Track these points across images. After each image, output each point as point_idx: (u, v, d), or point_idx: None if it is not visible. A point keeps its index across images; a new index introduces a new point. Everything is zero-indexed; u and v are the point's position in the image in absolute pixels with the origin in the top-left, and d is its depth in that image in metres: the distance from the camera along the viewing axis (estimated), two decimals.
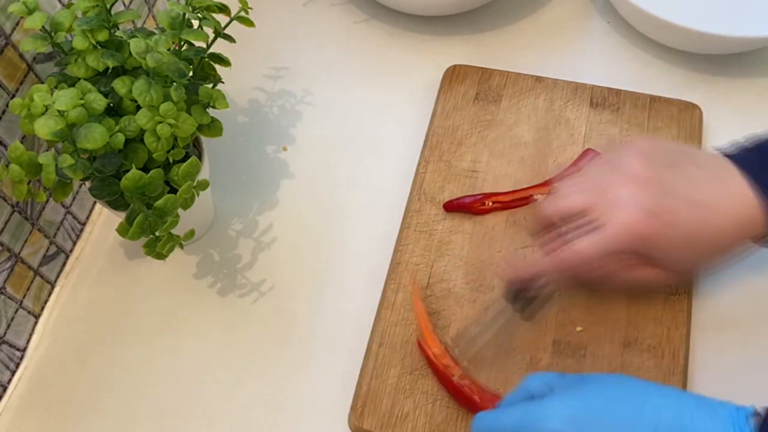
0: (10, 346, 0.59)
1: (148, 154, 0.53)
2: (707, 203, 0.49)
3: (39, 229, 0.60)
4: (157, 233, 0.52)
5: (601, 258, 0.50)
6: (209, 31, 0.57)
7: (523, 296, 0.55)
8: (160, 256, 0.53)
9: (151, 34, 0.54)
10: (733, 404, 0.41)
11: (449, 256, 0.60)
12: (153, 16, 0.72)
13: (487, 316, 0.56)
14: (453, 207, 0.62)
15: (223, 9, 0.57)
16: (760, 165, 0.50)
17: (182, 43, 0.56)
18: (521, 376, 0.54)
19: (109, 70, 0.55)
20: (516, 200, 0.62)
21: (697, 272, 0.58)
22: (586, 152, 0.63)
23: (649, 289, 0.56)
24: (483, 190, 0.63)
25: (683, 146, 0.54)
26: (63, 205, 0.63)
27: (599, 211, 0.50)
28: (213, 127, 0.57)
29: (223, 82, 0.59)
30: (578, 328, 0.56)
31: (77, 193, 0.65)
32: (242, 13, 0.57)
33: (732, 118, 0.67)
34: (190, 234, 0.57)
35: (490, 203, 0.62)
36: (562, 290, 0.57)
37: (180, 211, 0.53)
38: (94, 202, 0.68)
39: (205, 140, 0.60)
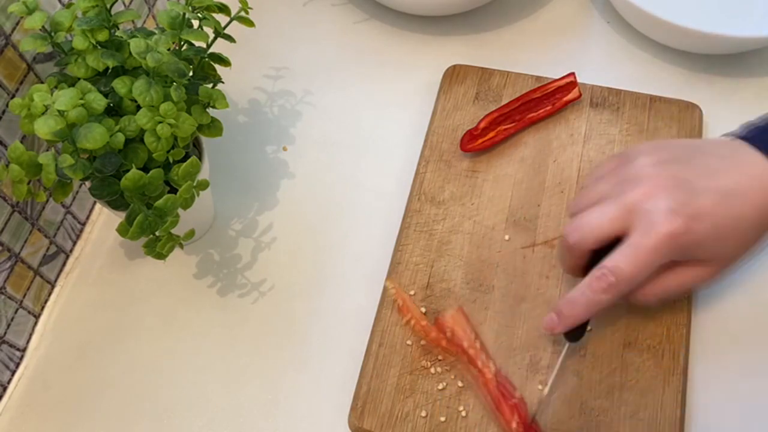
0: (10, 346, 0.59)
1: (148, 154, 0.53)
2: (731, 191, 0.48)
3: (39, 229, 0.60)
4: (157, 233, 0.52)
5: (645, 273, 0.48)
6: (209, 31, 0.57)
7: (576, 329, 0.53)
8: (160, 256, 0.53)
9: (151, 34, 0.54)
10: None
11: (449, 256, 0.60)
12: (153, 16, 0.72)
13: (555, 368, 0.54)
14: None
15: (223, 9, 0.57)
16: None
17: (182, 43, 0.56)
18: (521, 376, 0.54)
19: (109, 70, 0.55)
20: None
21: (739, 262, 0.53)
22: None
23: (692, 290, 0.54)
24: (483, 190, 0.63)
25: (685, 140, 0.52)
26: (63, 205, 0.63)
27: (631, 229, 0.48)
28: (213, 127, 0.57)
29: (223, 82, 0.59)
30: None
31: (77, 193, 0.65)
32: (242, 13, 0.57)
33: (732, 118, 0.67)
34: (190, 234, 0.57)
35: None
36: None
37: (180, 211, 0.53)
38: (94, 202, 0.68)
39: (205, 140, 0.60)
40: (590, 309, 0.50)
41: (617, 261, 0.48)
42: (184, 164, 0.52)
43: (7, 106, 0.54)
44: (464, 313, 0.57)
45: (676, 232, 0.47)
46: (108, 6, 0.54)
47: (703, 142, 0.52)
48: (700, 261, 0.50)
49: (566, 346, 0.53)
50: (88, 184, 0.53)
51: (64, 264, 0.65)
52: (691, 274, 0.50)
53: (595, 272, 0.49)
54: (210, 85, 0.57)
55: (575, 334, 0.53)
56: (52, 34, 0.53)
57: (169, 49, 0.52)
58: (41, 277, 0.62)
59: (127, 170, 0.50)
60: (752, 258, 0.55)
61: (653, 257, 0.48)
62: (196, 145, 0.60)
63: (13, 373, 0.60)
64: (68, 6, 0.54)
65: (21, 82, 0.55)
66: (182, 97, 0.52)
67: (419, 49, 0.75)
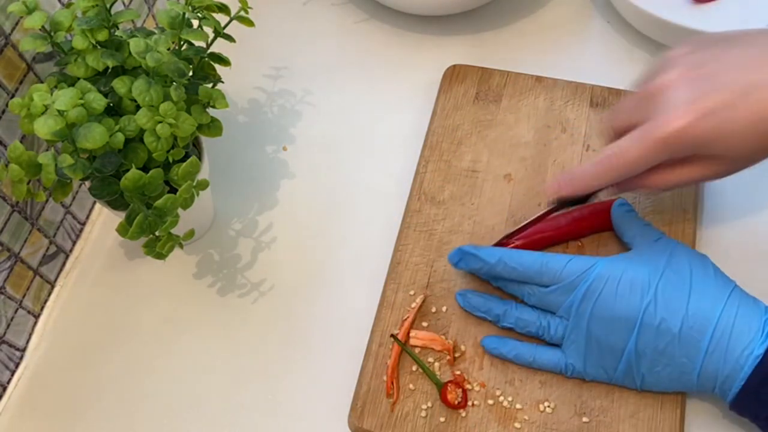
0: (10, 346, 0.59)
1: (148, 154, 0.53)
2: (757, 84, 0.45)
3: (39, 229, 0.60)
4: (156, 233, 0.52)
5: (650, 162, 0.49)
6: (209, 31, 0.57)
7: (573, 202, 0.55)
8: (160, 256, 0.53)
9: (151, 33, 0.54)
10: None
11: None
12: (153, 16, 0.72)
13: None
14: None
15: (223, 9, 0.57)
16: None
17: (182, 42, 0.56)
18: (521, 376, 0.54)
19: (109, 70, 0.55)
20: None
21: (760, 160, 0.50)
22: None
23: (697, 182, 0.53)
24: (483, 190, 0.63)
25: (727, 32, 0.50)
26: (63, 205, 0.63)
27: (649, 117, 0.48)
28: (213, 127, 0.57)
29: (222, 82, 0.59)
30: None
31: (77, 193, 0.65)
32: (242, 13, 0.57)
33: None
34: (190, 234, 0.57)
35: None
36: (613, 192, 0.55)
37: (180, 210, 0.53)
38: (94, 202, 0.68)
39: (205, 140, 0.60)
40: (589, 184, 0.52)
41: (626, 145, 0.48)
42: (184, 164, 0.52)
43: (6, 105, 0.54)
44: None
45: (683, 128, 0.46)
46: (108, 6, 0.54)
47: (741, 33, 0.49)
48: (710, 156, 0.49)
49: (549, 208, 0.56)
50: (88, 184, 0.53)
51: (63, 264, 0.65)
52: (699, 170, 0.50)
53: (606, 150, 0.50)
54: (210, 85, 0.57)
55: (570, 202, 0.55)
56: (52, 33, 0.53)
57: (168, 49, 0.52)
58: (41, 277, 0.62)
59: (127, 170, 0.50)
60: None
61: (661, 147, 0.47)
62: (196, 145, 0.60)
63: (13, 373, 0.60)
64: (68, 6, 0.54)
65: (21, 82, 0.55)
66: (182, 97, 0.52)
67: (419, 49, 0.75)
